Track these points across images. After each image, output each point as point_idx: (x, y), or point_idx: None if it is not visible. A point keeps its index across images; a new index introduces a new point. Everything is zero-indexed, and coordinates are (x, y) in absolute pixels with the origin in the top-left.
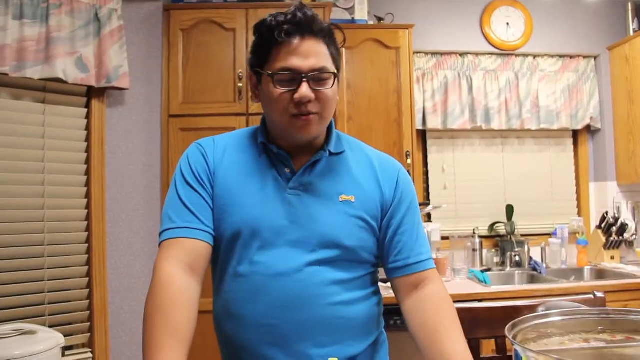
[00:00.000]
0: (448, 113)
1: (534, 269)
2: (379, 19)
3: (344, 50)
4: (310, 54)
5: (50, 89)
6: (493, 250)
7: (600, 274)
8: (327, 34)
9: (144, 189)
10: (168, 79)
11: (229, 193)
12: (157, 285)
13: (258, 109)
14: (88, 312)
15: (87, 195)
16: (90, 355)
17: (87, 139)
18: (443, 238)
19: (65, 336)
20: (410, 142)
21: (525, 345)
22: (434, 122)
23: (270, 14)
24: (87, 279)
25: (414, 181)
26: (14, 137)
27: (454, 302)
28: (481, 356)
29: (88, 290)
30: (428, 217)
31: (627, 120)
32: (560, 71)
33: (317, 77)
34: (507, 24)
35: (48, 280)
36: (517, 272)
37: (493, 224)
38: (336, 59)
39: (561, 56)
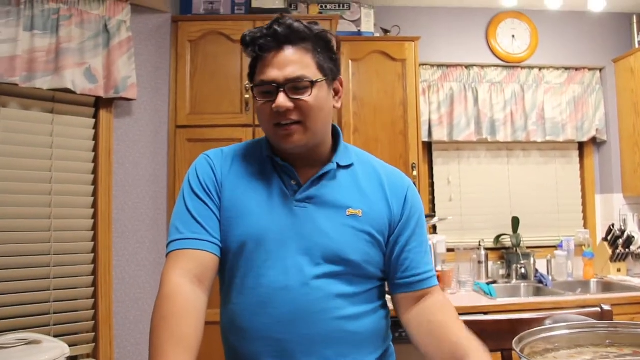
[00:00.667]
0: (454, 125)
1: (540, 282)
2: (385, 32)
3: (350, 62)
4: (287, 63)
5: (59, 99)
6: (499, 263)
7: (606, 286)
8: (313, 41)
9: (150, 200)
10: (175, 89)
11: (235, 205)
12: (164, 296)
13: None
14: (93, 322)
15: (94, 205)
16: None
17: (95, 149)
18: (448, 250)
19: (70, 346)
20: (416, 154)
21: (532, 359)
22: (439, 134)
23: (249, 29)
24: (93, 288)
25: (419, 193)
26: (22, 146)
27: (460, 314)
28: None
29: (93, 300)
30: (434, 229)
31: (633, 132)
32: (566, 83)
33: (294, 87)
34: (513, 36)
35: (54, 289)
36: (522, 284)
37: (499, 236)
38: (324, 67)
39: (566, 68)
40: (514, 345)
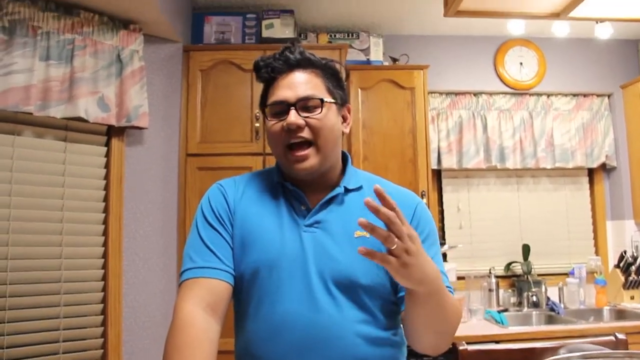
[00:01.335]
0: (463, 152)
1: (552, 310)
2: (394, 60)
3: (359, 90)
4: (299, 84)
5: (72, 128)
6: (510, 290)
7: (620, 314)
8: (322, 68)
9: (161, 228)
10: (186, 118)
11: (248, 233)
12: (177, 325)
13: None
14: (102, 350)
15: (105, 233)
16: None
17: (106, 176)
18: (459, 278)
19: None
20: (426, 181)
21: None
22: (449, 162)
23: (261, 56)
24: (102, 316)
25: None
26: (35, 174)
27: (471, 343)
28: None
29: (103, 328)
30: (444, 257)
31: None
32: (574, 110)
33: (304, 106)
34: (521, 63)
35: (63, 317)
36: (534, 312)
37: (509, 264)
38: (333, 92)
39: (575, 95)
40: None
